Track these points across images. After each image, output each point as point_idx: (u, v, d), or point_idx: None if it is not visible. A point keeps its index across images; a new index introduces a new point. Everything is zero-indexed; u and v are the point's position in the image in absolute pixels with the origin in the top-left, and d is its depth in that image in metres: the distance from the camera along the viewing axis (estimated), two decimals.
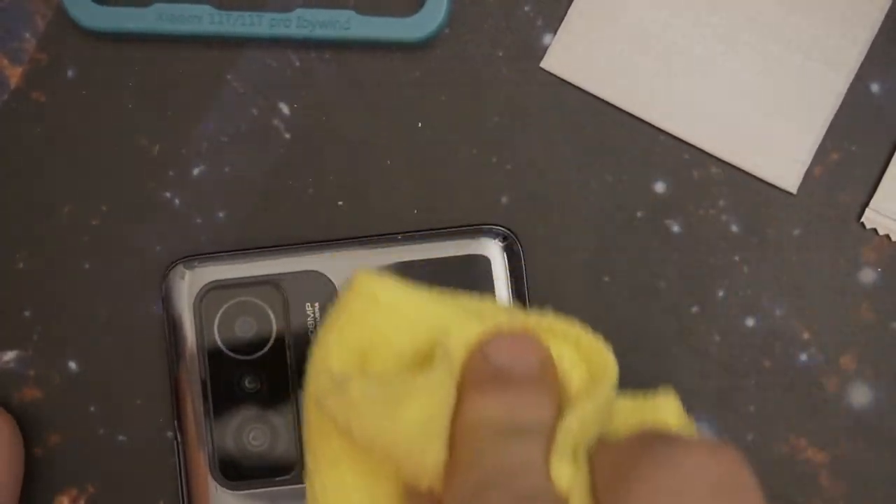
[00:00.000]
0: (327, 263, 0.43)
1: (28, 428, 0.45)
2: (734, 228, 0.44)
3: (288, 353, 0.43)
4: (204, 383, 0.43)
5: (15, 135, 0.45)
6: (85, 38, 0.45)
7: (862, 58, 0.44)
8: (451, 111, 0.45)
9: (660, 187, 0.44)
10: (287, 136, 0.45)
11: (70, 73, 0.45)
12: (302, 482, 0.42)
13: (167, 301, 0.43)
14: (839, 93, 0.44)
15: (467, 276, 0.42)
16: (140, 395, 0.44)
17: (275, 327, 0.43)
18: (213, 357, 0.43)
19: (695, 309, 0.44)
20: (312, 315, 0.42)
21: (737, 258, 0.44)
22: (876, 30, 0.44)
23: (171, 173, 0.45)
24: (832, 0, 0.44)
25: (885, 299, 0.44)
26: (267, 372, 0.43)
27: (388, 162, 0.45)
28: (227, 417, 0.43)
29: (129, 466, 0.45)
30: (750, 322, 0.44)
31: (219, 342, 0.43)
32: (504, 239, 0.43)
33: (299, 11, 0.44)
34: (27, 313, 0.45)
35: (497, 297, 0.42)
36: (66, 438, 0.45)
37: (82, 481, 0.45)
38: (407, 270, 0.42)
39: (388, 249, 0.43)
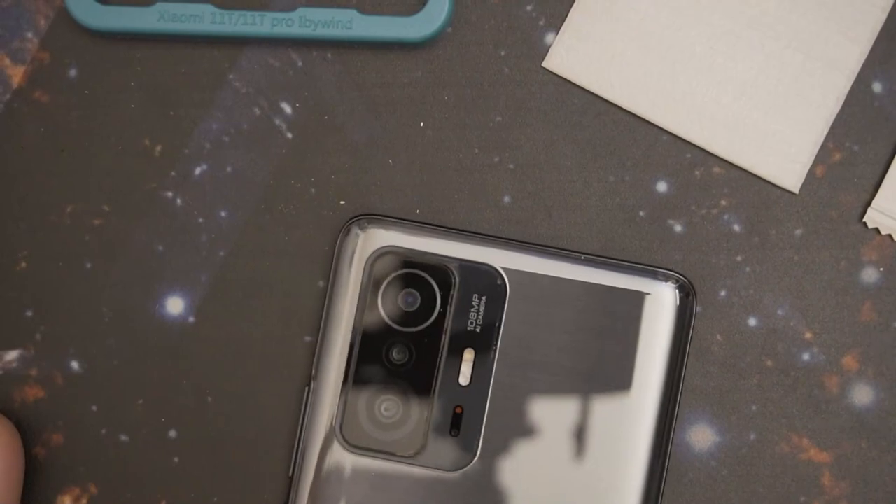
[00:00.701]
0: (505, 262, 0.42)
1: (30, 428, 0.45)
2: (736, 228, 0.44)
3: (443, 337, 0.42)
4: (353, 342, 0.42)
5: (17, 134, 0.45)
6: (87, 37, 0.45)
7: (864, 58, 0.44)
8: (454, 111, 0.45)
9: (662, 187, 0.44)
10: (289, 135, 0.45)
11: (72, 73, 0.45)
12: (419, 466, 0.42)
13: (338, 256, 0.43)
14: (841, 93, 0.44)
15: (634, 312, 0.42)
16: (142, 395, 0.44)
17: (437, 308, 0.42)
18: (370, 320, 0.42)
19: (697, 309, 0.44)
20: (476, 308, 0.42)
21: (739, 258, 0.44)
22: (878, 29, 0.44)
23: (172, 173, 0.45)
24: (834, 0, 0.44)
25: (888, 299, 0.44)
26: (417, 349, 0.42)
27: (391, 161, 0.45)
28: (366, 381, 0.42)
29: (130, 466, 0.44)
30: (752, 322, 0.44)
31: (379, 307, 0.43)
32: (682, 288, 0.42)
33: (301, 11, 0.44)
34: (29, 313, 0.45)
35: (653, 344, 0.42)
36: (68, 438, 0.45)
37: (84, 481, 0.45)
38: (576, 291, 0.42)
39: (565, 265, 0.42)
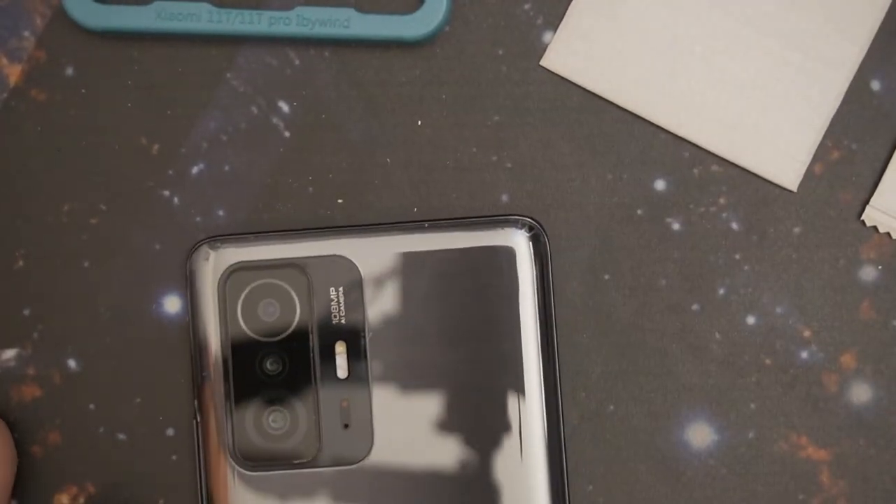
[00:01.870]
0: (353, 248, 0.42)
1: (28, 426, 0.45)
2: (735, 226, 0.44)
3: (311, 337, 0.42)
4: (225, 365, 0.43)
5: (14, 133, 0.45)
6: (84, 36, 0.45)
7: (862, 56, 0.44)
8: (451, 109, 0.45)
9: (660, 185, 0.44)
10: (287, 134, 0.45)
11: (69, 72, 0.45)
12: (321, 467, 0.42)
13: (191, 281, 0.43)
14: (839, 91, 0.44)
15: (492, 267, 0.42)
16: (140, 394, 0.44)
17: (298, 311, 0.43)
18: (236, 339, 0.43)
19: (695, 307, 0.44)
20: (336, 300, 0.42)
21: (737, 256, 0.44)
22: (876, 28, 0.44)
23: (170, 172, 0.45)
24: None
25: (886, 297, 0.44)
26: (289, 355, 0.43)
27: (388, 160, 0.45)
28: (247, 400, 0.43)
29: (128, 465, 0.44)
30: (750, 320, 0.44)
31: (241, 324, 0.43)
32: (530, 229, 0.43)
33: (299, 9, 0.44)
34: (27, 312, 0.45)
35: (517, 292, 0.42)
36: (66, 437, 0.45)
37: (82, 480, 0.45)
38: (429, 260, 0.42)
39: (414, 236, 0.42)
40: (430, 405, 0.42)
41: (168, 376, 0.44)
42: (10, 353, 0.45)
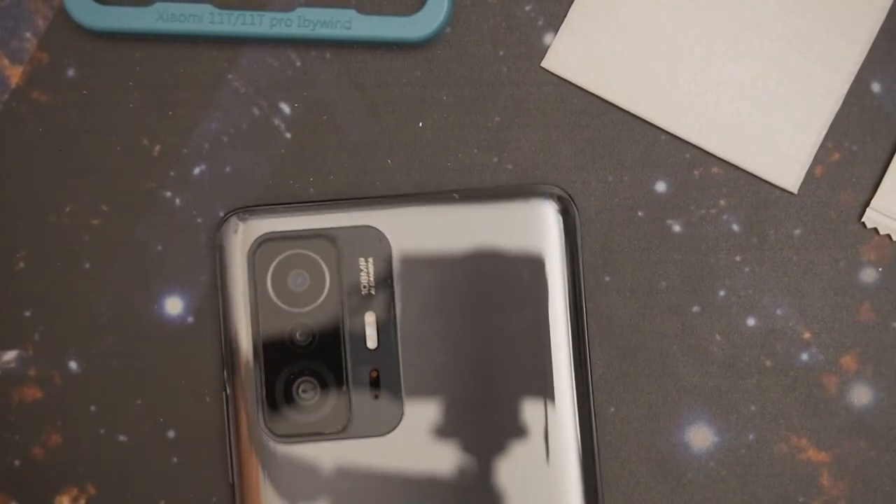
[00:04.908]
0: (382, 219, 0.42)
1: (28, 428, 0.45)
2: (735, 228, 0.44)
3: (341, 308, 0.42)
4: (255, 336, 0.42)
5: (16, 134, 0.45)
6: (86, 37, 0.45)
7: (862, 58, 0.44)
8: (452, 111, 0.45)
9: (661, 187, 0.44)
10: (288, 135, 0.45)
11: (70, 73, 0.45)
12: (350, 438, 0.42)
13: (220, 254, 0.43)
14: (840, 92, 0.44)
15: (520, 237, 0.42)
16: (140, 395, 0.44)
17: (328, 281, 0.43)
18: (265, 310, 0.43)
19: (696, 309, 0.44)
20: (366, 270, 0.42)
21: (738, 258, 0.44)
22: (876, 29, 0.44)
23: (171, 173, 0.45)
24: (832, 0, 0.44)
25: (886, 299, 0.44)
26: (319, 326, 0.42)
27: (389, 161, 0.45)
28: (277, 371, 0.42)
29: (129, 466, 0.44)
30: (751, 322, 0.44)
31: (271, 295, 0.43)
32: (559, 200, 0.43)
33: (300, 11, 0.44)
34: (28, 313, 0.45)
35: (546, 261, 0.42)
36: (67, 438, 0.45)
37: (83, 481, 0.45)
38: (459, 230, 0.42)
39: (444, 208, 0.42)
40: (459, 375, 0.42)
41: (169, 378, 0.44)
42: (11, 355, 0.45)
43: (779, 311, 0.44)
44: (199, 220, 0.45)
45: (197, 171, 0.45)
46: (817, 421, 0.44)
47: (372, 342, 0.43)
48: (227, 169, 0.45)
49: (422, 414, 0.42)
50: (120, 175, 0.45)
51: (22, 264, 0.45)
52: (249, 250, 0.43)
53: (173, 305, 0.45)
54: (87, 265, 0.45)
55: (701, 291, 0.44)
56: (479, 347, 0.42)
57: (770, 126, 0.44)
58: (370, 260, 0.42)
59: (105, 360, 0.45)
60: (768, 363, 0.44)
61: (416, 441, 0.42)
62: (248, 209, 0.43)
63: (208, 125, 0.45)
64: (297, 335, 0.43)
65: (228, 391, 0.43)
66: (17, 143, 0.45)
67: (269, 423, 0.42)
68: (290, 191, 0.45)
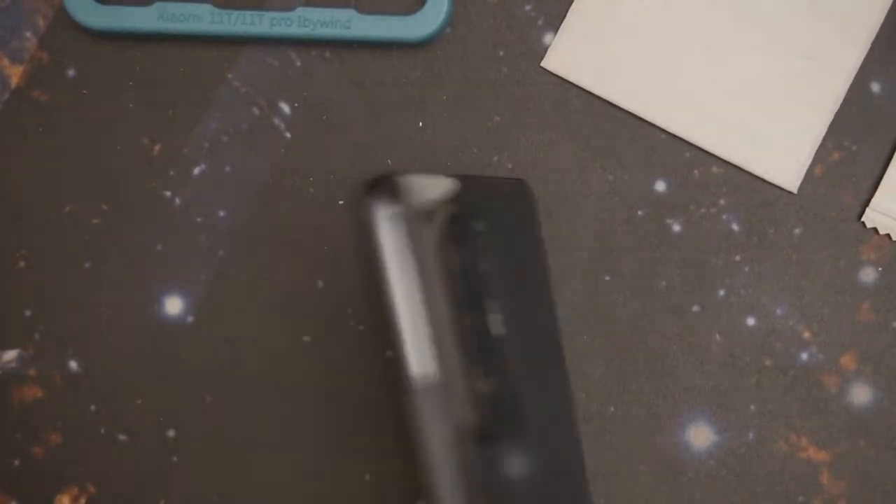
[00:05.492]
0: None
1: (29, 427, 0.45)
2: (735, 228, 0.44)
3: (493, 271, 0.39)
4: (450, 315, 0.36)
5: (16, 134, 0.45)
6: (86, 37, 0.45)
7: (862, 57, 0.44)
8: (452, 110, 0.45)
9: (661, 186, 0.45)
10: (288, 135, 0.45)
11: (71, 73, 0.45)
12: None
13: (364, 222, 0.36)
14: (840, 92, 0.44)
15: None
16: (140, 395, 0.45)
17: (477, 247, 0.38)
18: (422, 277, 0.36)
19: (695, 308, 0.44)
20: (516, 232, 0.41)
21: (737, 257, 0.44)
22: (876, 29, 0.44)
23: (171, 173, 0.45)
24: (832, 0, 0.44)
25: (886, 299, 0.44)
26: (473, 291, 0.38)
27: (389, 161, 0.45)
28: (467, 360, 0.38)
29: (129, 466, 0.45)
30: (751, 321, 0.44)
31: (426, 262, 0.36)
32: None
33: (300, 10, 0.44)
34: (28, 313, 0.45)
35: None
36: (67, 438, 0.45)
37: (83, 480, 0.45)
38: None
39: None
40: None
41: (169, 378, 0.44)
42: (11, 355, 0.45)
43: (778, 311, 0.44)
44: (198, 219, 0.45)
45: (197, 170, 0.45)
46: (817, 420, 0.44)
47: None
48: (227, 169, 0.45)
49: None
50: (120, 175, 0.45)
51: (22, 264, 0.45)
52: (402, 217, 0.36)
53: (173, 305, 0.45)
54: (87, 265, 0.45)
55: (701, 291, 0.44)
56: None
57: (770, 125, 0.44)
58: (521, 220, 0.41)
59: (105, 360, 0.45)
60: (768, 362, 0.44)
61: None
62: (395, 174, 0.37)
63: (208, 125, 0.45)
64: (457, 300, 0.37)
65: (416, 386, 0.35)
66: (17, 142, 0.45)
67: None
68: (289, 190, 0.45)
